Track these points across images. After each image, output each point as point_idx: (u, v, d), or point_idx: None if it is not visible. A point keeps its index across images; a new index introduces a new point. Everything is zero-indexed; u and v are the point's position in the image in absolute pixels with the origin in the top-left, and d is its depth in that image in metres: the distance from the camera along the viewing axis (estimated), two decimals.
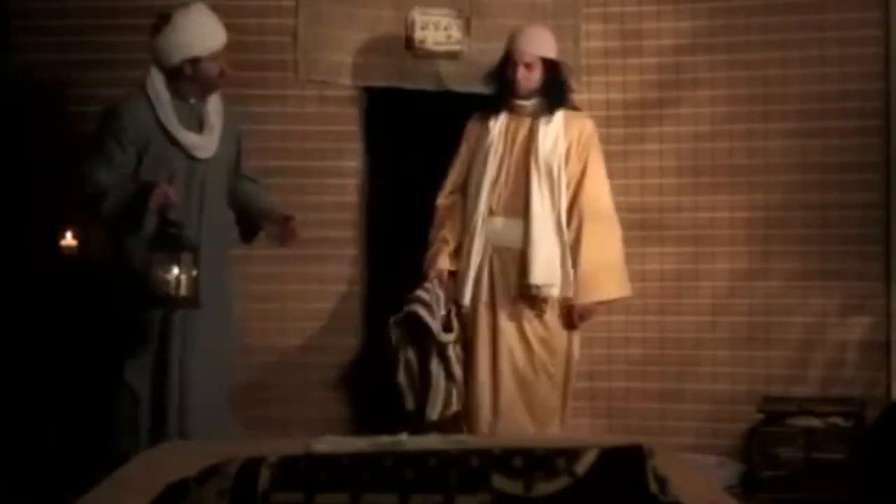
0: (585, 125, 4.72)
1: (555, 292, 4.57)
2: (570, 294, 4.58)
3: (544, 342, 4.62)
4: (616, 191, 5.34)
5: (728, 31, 5.29)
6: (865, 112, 5.15)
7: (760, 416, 5.02)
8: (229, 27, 4.38)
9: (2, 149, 5.11)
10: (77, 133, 5.08)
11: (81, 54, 5.12)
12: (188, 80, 4.25)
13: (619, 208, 5.34)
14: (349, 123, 5.29)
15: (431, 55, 5.27)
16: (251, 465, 2.10)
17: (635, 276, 5.33)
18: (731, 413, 5.20)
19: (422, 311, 4.51)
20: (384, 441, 3.18)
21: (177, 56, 4.20)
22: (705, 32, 5.31)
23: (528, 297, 4.59)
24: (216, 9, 4.32)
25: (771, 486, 4.91)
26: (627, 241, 5.34)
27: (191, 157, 4.27)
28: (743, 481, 5.00)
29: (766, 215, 5.26)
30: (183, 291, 4.04)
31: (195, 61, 4.22)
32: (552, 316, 4.62)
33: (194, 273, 4.07)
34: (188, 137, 4.26)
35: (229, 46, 4.34)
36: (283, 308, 5.18)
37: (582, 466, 2.04)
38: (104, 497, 2.61)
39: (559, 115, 4.66)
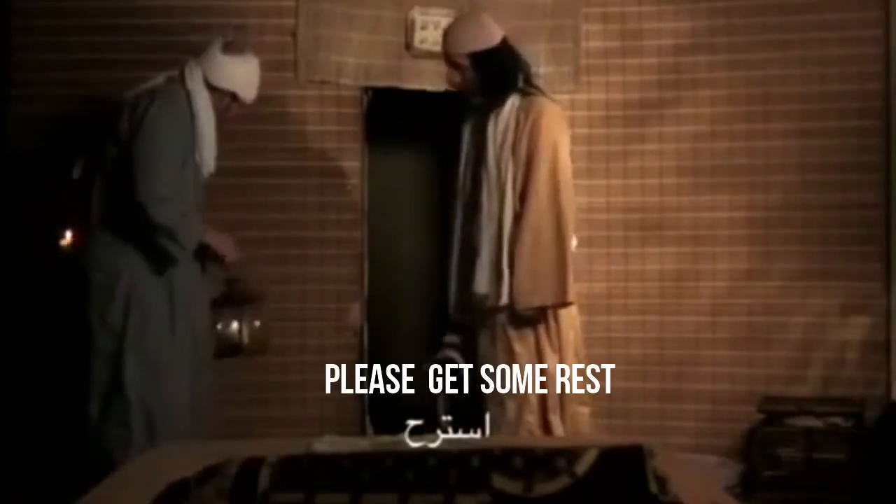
0: (535, 106, 4.11)
1: (490, 303, 4.09)
2: (504, 303, 4.08)
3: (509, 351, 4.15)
4: (616, 191, 5.36)
5: (728, 31, 5.29)
6: (865, 112, 5.15)
7: (760, 416, 5.02)
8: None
9: (1, 149, 5.10)
10: (77, 133, 5.08)
11: (81, 54, 5.11)
12: (216, 102, 4.20)
13: (619, 208, 5.37)
14: (349, 123, 5.29)
15: (432, 55, 5.26)
16: (251, 465, 2.10)
17: (635, 276, 5.35)
18: (731, 413, 5.20)
19: (455, 356, 4.30)
20: (384, 441, 3.17)
21: (225, 84, 4.18)
22: (705, 32, 5.31)
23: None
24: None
25: (771, 486, 4.90)
26: (627, 242, 5.35)
27: (197, 175, 4.19)
28: (743, 481, 5.00)
29: (766, 215, 5.25)
30: (245, 341, 4.06)
31: (234, 97, 4.22)
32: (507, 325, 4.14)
33: (257, 323, 4.06)
34: (211, 155, 4.20)
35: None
36: (283, 308, 5.17)
37: (582, 466, 2.04)
38: (104, 497, 2.61)
39: (511, 103, 4.12)
